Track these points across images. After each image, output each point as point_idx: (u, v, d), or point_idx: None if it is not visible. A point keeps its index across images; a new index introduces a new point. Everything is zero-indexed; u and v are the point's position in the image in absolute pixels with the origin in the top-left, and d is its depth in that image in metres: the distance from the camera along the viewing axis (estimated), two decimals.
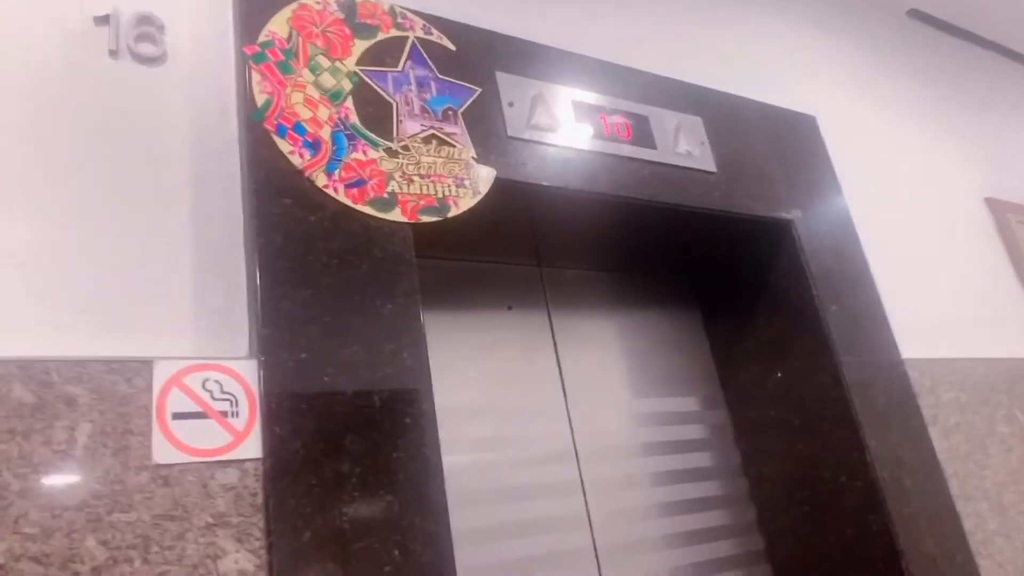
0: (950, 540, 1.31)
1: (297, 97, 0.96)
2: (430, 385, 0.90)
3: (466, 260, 1.34)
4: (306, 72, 0.98)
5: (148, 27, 0.92)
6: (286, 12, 1.00)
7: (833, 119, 1.63)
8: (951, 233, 1.79)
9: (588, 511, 1.26)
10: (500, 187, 1.08)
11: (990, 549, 1.38)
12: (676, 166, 1.29)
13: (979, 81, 2.21)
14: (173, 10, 0.95)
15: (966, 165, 1.97)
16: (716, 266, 1.55)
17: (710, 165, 1.34)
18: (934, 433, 1.40)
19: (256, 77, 0.94)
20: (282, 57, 0.97)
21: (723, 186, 1.34)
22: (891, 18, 2.07)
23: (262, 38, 0.97)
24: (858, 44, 1.93)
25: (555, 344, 1.37)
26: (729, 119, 1.44)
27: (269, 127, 0.92)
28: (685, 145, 1.32)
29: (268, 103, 0.93)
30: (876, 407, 1.33)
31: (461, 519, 1.15)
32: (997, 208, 1.94)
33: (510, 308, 1.35)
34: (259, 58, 0.95)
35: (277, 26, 0.99)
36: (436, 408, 1.18)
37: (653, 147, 1.28)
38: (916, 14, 2.07)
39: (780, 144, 1.49)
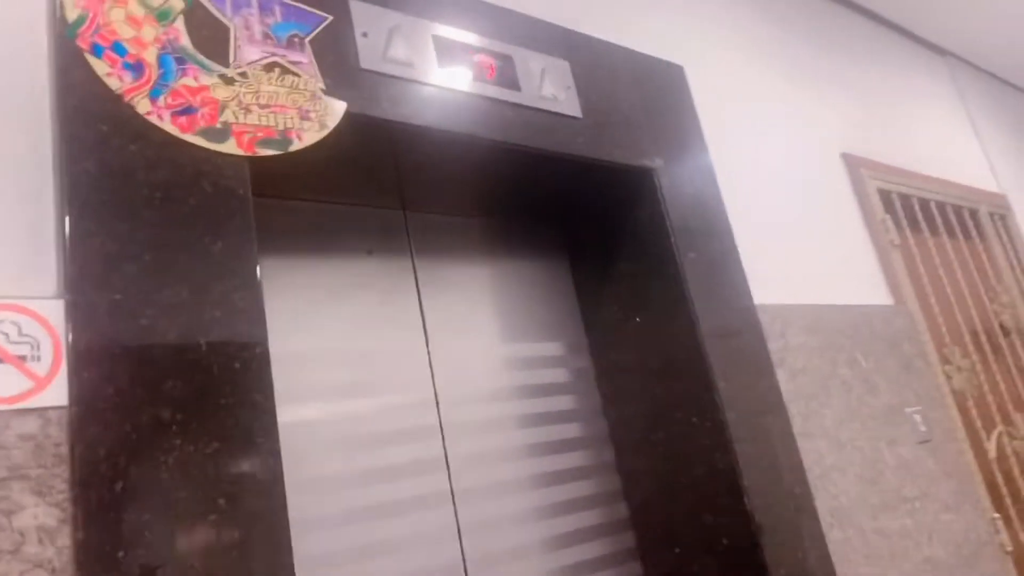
0: (791, 475, 1.39)
1: (117, 14, 0.87)
2: (264, 329, 0.86)
3: (323, 202, 1.28)
4: None
5: None
6: None
7: (700, 70, 1.66)
8: (807, 186, 1.87)
9: (446, 455, 1.26)
10: (352, 122, 1.03)
11: (826, 483, 1.48)
12: (541, 110, 1.27)
13: (842, 39, 2.30)
14: None
15: (826, 121, 2.06)
16: (583, 213, 1.55)
17: (576, 111, 1.33)
18: (782, 375, 1.47)
19: None
20: None
21: (588, 132, 1.34)
22: None
23: None
24: None
25: (418, 290, 1.34)
26: (596, 65, 1.43)
27: (83, 45, 0.83)
28: (551, 89, 1.30)
29: (82, 18, 0.84)
30: (728, 350, 1.38)
31: (314, 466, 1.13)
32: (852, 163, 2.03)
33: (370, 252, 1.31)
34: None
35: None
36: (287, 354, 1.15)
37: (517, 88, 1.25)
38: None
39: (646, 93, 1.50)
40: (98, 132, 0.81)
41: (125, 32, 0.87)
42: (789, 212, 1.76)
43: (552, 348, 1.50)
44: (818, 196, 1.89)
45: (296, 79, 0.99)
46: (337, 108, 1.01)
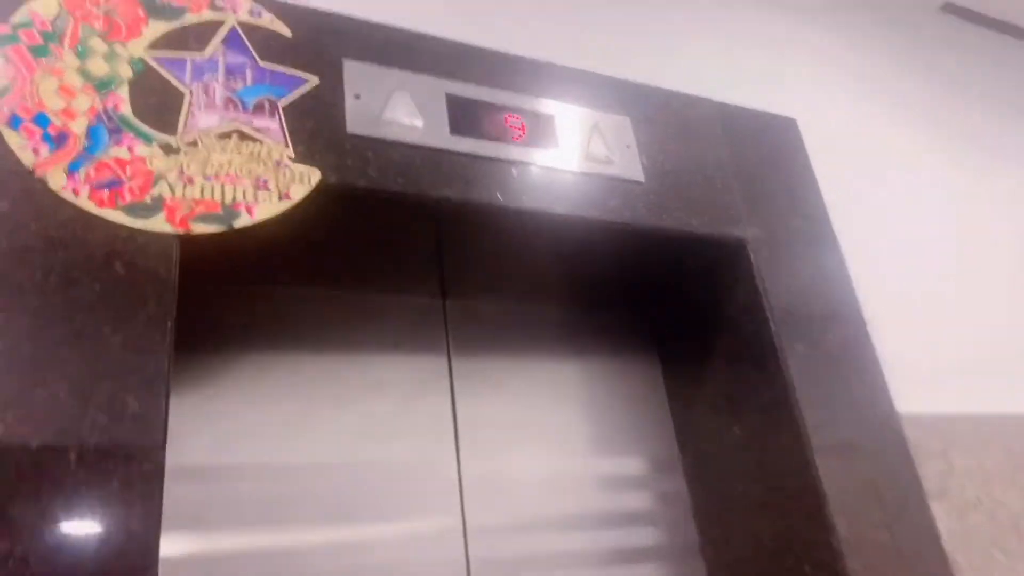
0: None
1: (49, 84, 0.80)
2: (161, 437, 0.69)
3: (350, 291, 1.14)
4: (69, 56, 0.82)
5: None
6: None
7: (818, 124, 1.36)
8: (976, 259, 1.46)
9: None
10: (329, 193, 0.88)
11: None
12: (587, 174, 1.06)
13: (1015, 80, 1.86)
14: None
15: (988, 182, 1.63)
16: (669, 296, 1.29)
17: (636, 173, 1.10)
18: (940, 510, 1.08)
19: None
20: (40, 40, 0.81)
21: (652, 197, 1.10)
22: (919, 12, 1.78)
23: (16, 18, 0.81)
24: (861, 41, 1.64)
25: (452, 391, 1.14)
26: (669, 121, 1.19)
27: (0, 118, 0.76)
28: (602, 149, 1.09)
29: (5, 90, 0.77)
30: (852, 476, 1.03)
31: None
32: None
33: (396, 346, 1.13)
34: (7, 40, 0.80)
35: (41, 5, 0.83)
36: (278, 466, 0.99)
37: (555, 148, 1.05)
38: (950, 7, 1.77)
39: (739, 150, 1.23)
40: None
41: (53, 103, 0.79)
42: (948, 290, 1.37)
43: (631, 465, 1.22)
44: (990, 271, 1.47)
45: (257, 146, 0.86)
46: (306, 177, 0.87)
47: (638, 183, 1.10)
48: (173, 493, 0.91)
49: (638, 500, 1.19)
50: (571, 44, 1.19)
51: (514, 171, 1.01)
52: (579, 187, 1.04)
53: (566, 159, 1.05)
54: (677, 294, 1.27)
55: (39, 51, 0.81)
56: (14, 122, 0.76)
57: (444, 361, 1.15)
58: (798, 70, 1.47)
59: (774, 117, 1.32)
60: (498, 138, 1.02)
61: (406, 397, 1.09)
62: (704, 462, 1.21)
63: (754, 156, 1.25)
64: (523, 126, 1.05)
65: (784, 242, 1.18)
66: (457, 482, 1.07)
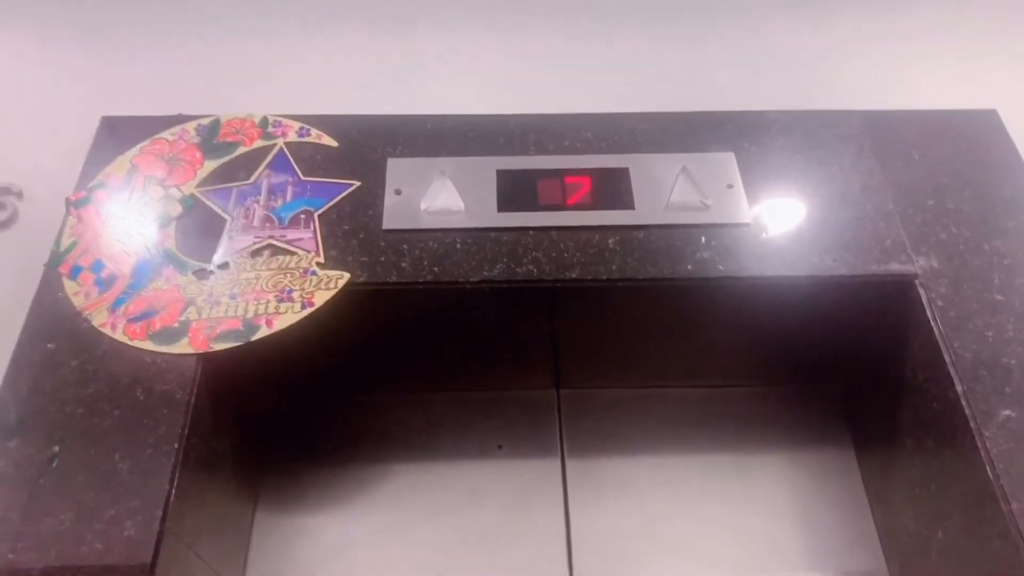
0: None
1: (110, 234, 0.88)
2: (151, 559, 0.68)
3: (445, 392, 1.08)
4: (130, 207, 0.91)
5: (4, 196, 0.95)
6: (132, 151, 0.96)
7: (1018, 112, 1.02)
8: None
9: None
10: (359, 293, 0.85)
11: None
12: (668, 225, 0.89)
13: None
14: (32, 176, 0.97)
15: None
16: (848, 365, 1.02)
17: (740, 214, 0.91)
18: None
19: (70, 222, 0.89)
20: (108, 196, 0.92)
21: (761, 241, 0.89)
22: None
23: (94, 182, 0.93)
24: None
25: (565, 496, 0.99)
26: (783, 146, 0.98)
27: (63, 270, 0.86)
28: (693, 195, 0.92)
29: (72, 246, 0.87)
30: None
31: None
32: None
33: (500, 448, 1.03)
34: (82, 203, 0.91)
35: (116, 167, 0.94)
36: None
37: (629, 207, 0.91)
38: None
39: (892, 162, 0.96)
40: (44, 352, 0.80)
41: (110, 249, 0.87)
42: None
43: None
44: None
45: (288, 258, 0.86)
46: (335, 280, 0.85)
47: (743, 225, 0.90)
48: None
49: None
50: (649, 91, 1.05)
51: (573, 238, 0.88)
52: (655, 243, 0.88)
53: (641, 215, 0.90)
54: (849, 361, 1.00)
55: (105, 206, 0.91)
56: (74, 272, 0.85)
57: (557, 461, 1.02)
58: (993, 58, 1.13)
59: (951, 114, 1.02)
60: (556, 207, 0.91)
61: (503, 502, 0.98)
62: None
63: (922, 169, 0.96)
64: (588, 187, 0.93)
65: (973, 272, 0.87)
66: None
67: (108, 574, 0.67)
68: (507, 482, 1.00)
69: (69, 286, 0.84)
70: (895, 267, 0.87)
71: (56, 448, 0.74)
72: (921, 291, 0.86)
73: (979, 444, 0.76)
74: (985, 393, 0.78)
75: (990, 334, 0.82)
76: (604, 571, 0.94)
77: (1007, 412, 0.77)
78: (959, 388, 0.79)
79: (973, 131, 1.01)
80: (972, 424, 0.77)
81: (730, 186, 0.93)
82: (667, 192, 0.92)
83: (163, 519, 0.70)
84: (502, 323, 0.97)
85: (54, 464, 0.73)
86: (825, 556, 0.96)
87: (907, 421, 0.90)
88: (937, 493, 0.84)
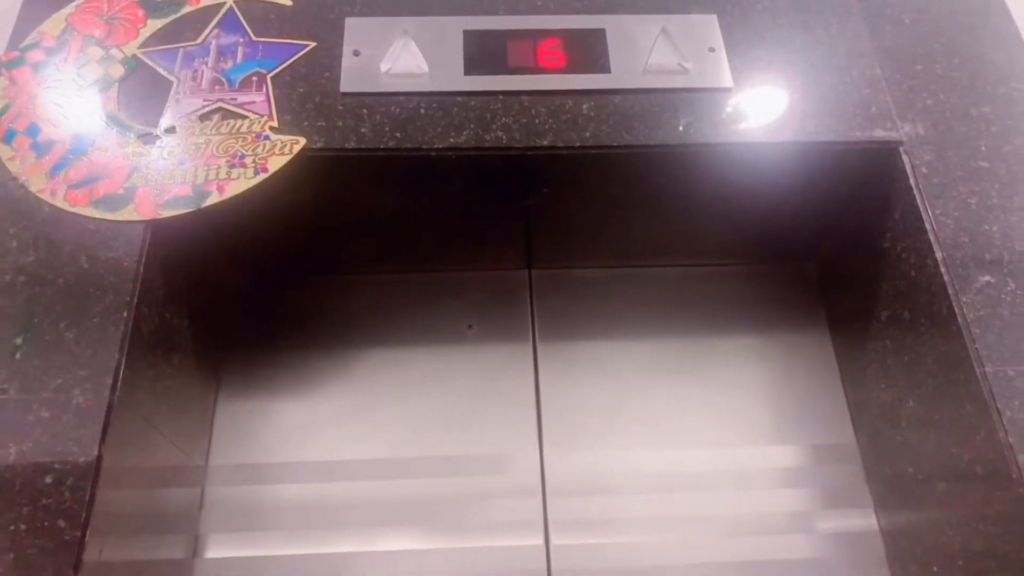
0: None
1: (46, 97, 0.82)
2: (97, 436, 0.65)
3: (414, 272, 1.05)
4: (67, 67, 0.84)
5: None
6: (68, 8, 0.88)
7: None
8: None
9: None
10: (315, 160, 0.80)
11: None
12: (643, 90, 0.85)
13: None
14: None
15: None
16: (830, 235, 1.00)
17: (720, 79, 0.86)
18: None
19: (2, 83, 0.83)
20: (43, 57, 0.85)
21: (745, 106, 0.84)
22: None
23: (26, 41, 0.86)
24: None
25: (536, 377, 0.98)
26: (769, 8, 0.92)
27: None
28: (672, 58, 0.86)
29: (5, 109, 0.81)
30: None
31: None
32: None
33: (470, 328, 1.01)
34: (15, 63, 0.84)
35: (50, 26, 0.87)
36: (331, 465, 0.92)
37: (605, 71, 0.86)
38: None
39: (879, 22, 0.91)
40: None
41: (46, 113, 0.81)
42: None
43: (782, 456, 0.95)
44: None
45: (239, 122, 0.81)
46: (289, 146, 0.79)
47: (725, 89, 0.85)
48: (220, 494, 0.88)
49: (782, 501, 0.92)
50: None
51: (545, 103, 0.83)
52: (632, 108, 0.83)
53: (619, 79, 0.85)
54: (821, 229, 0.98)
55: (41, 68, 0.84)
56: (8, 136, 0.79)
57: (528, 342, 1.00)
58: None
59: None
60: (527, 70, 0.85)
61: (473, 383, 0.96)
62: (882, 452, 0.90)
63: (913, 33, 0.92)
64: (561, 51, 0.87)
65: (959, 139, 0.84)
66: (540, 483, 0.91)
67: (56, 443, 0.65)
68: (477, 362, 0.98)
69: (3, 151, 0.78)
70: (879, 133, 0.83)
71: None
72: (905, 158, 0.83)
73: (956, 310, 0.74)
74: (965, 260, 0.76)
75: (973, 201, 0.80)
76: (575, 448, 0.93)
77: (986, 278, 0.75)
78: (939, 255, 0.77)
79: None
80: (950, 290, 0.75)
81: (711, 49, 0.88)
82: (645, 55, 0.87)
83: (113, 387, 0.67)
84: (470, 196, 0.92)
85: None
86: (795, 430, 0.96)
87: (884, 294, 0.88)
88: (910, 363, 0.83)
